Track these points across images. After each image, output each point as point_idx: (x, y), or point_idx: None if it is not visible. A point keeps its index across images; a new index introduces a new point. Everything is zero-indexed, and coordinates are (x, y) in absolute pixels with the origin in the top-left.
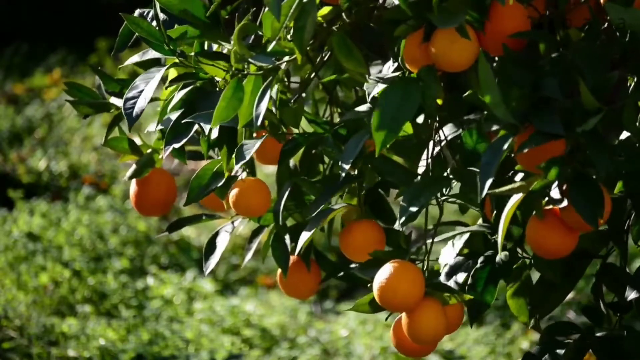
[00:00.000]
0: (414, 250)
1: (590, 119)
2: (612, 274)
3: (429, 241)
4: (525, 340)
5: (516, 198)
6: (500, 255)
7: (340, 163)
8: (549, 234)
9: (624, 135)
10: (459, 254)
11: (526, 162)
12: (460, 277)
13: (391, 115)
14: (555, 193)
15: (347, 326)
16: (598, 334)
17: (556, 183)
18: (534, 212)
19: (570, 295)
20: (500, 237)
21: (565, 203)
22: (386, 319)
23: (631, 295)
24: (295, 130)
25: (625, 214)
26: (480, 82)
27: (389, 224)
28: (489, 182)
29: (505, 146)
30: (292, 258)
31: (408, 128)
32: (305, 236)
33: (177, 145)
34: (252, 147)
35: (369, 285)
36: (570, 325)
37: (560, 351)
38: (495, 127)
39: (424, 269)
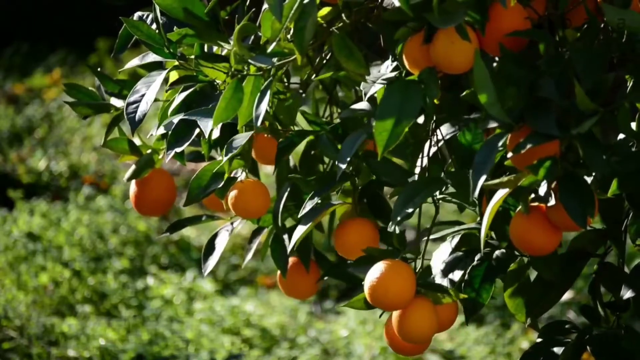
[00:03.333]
0: (409, 249)
1: (585, 121)
2: (609, 273)
3: (423, 240)
4: (525, 340)
5: (502, 193)
6: (496, 253)
7: (337, 162)
8: (533, 230)
9: (620, 136)
10: (455, 252)
11: (519, 162)
12: (457, 274)
13: (393, 117)
14: (543, 191)
15: (347, 326)
16: (595, 333)
17: (545, 181)
18: (519, 208)
19: (570, 295)
20: (483, 231)
21: (552, 202)
22: (380, 317)
23: (627, 293)
24: (293, 128)
25: (623, 213)
26: (475, 81)
27: (387, 223)
28: (482, 180)
29: (500, 145)
30: (292, 259)
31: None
32: (299, 232)
33: (178, 150)
34: (242, 140)
35: (362, 282)
36: (568, 324)
37: (558, 350)
38: (491, 125)
39: (417, 268)
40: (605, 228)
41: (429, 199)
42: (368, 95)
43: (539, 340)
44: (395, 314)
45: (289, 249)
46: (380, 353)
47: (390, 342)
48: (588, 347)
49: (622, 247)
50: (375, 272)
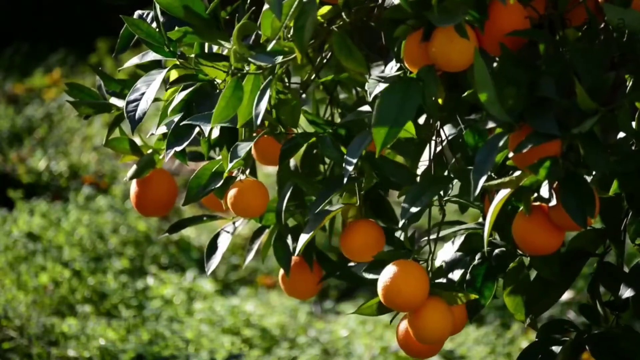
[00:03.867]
0: (416, 250)
1: (586, 120)
2: (609, 272)
3: (432, 238)
4: (525, 340)
5: (504, 193)
6: (496, 252)
7: (344, 164)
8: (535, 230)
9: (619, 135)
10: (456, 251)
11: (520, 162)
12: (457, 273)
13: (391, 115)
14: (544, 191)
15: (347, 326)
16: (594, 332)
17: (546, 181)
18: (521, 208)
19: (570, 295)
20: (486, 231)
21: (554, 202)
22: (391, 322)
23: (626, 293)
24: (296, 130)
25: (623, 212)
26: (476, 80)
27: (389, 224)
28: (483, 179)
29: (500, 144)
30: (294, 258)
31: (410, 128)
32: (304, 237)
33: (178, 149)
34: (247, 146)
35: (366, 285)
36: (566, 324)
37: (557, 349)
38: (491, 125)
39: (428, 268)
40: (605, 227)
41: (435, 201)
42: (373, 95)
43: (538, 339)
44: (410, 315)
45: (296, 252)
46: (380, 353)
47: (404, 345)
48: (587, 347)
49: (621, 247)
50: (387, 273)
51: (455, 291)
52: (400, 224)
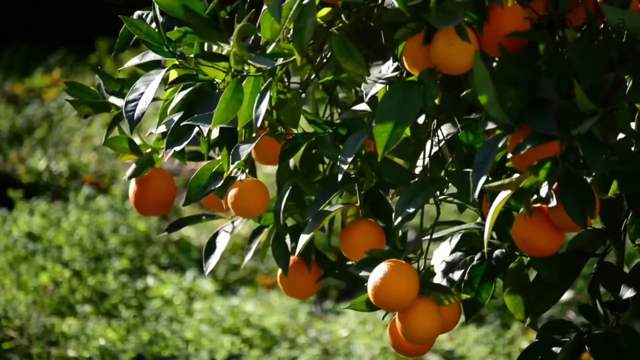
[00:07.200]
0: (410, 249)
1: (585, 121)
2: (609, 273)
3: (425, 239)
4: (525, 340)
5: (505, 194)
6: (496, 252)
7: (338, 163)
8: (536, 231)
9: (619, 135)
10: (455, 252)
11: (519, 163)
12: (457, 274)
13: (393, 118)
14: (544, 192)
15: (347, 326)
16: (594, 333)
17: (546, 182)
18: (521, 209)
19: (570, 295)
20: (486, 232)
21: (554, 202)
22: (383, 318)
23: (627, 293)
24: (296, 131)
25: (623, 212)
26: (476, 81)
27: (388, 224)
28: (482, 180)
29: (500, 145)
30: (292, 258)
31: (406, 129)
32: (304, 237)
33: (178, 149)
34: (248, 148)
35: (365, 284)
36: (567, 324)
37: (557, 349)
38: (491, 127)
39: (420, 268)
40: (605, 228)
41: (431, 200)
42: (369, 96)
43: (538, 339)
44: (399, 314)
45: (296, 252)
46: (380, 353)
47: (394, 343)
48: (587, 347)
49: (621, 247)
50: (378, 273)
51: (445, 291)
52: (396, 223)
